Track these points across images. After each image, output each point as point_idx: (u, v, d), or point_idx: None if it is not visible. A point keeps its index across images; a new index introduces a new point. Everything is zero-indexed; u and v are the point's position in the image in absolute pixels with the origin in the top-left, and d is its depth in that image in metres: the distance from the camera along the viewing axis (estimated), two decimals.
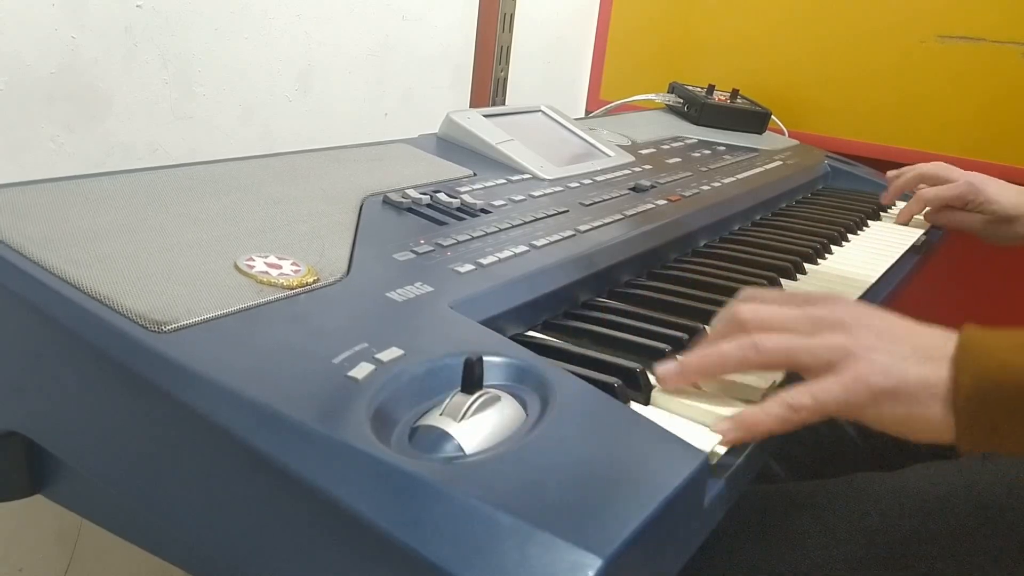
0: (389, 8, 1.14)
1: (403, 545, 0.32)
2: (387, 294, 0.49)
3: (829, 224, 0.92)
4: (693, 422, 0.45)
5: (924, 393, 0.42)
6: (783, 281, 0.71)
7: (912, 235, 0.95)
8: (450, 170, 0.75)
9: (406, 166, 0.73)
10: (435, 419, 0.38)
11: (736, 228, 0.87)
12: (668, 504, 0.35)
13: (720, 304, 0.61)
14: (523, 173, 0.78)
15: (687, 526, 0.39)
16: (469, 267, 0.55)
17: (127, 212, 0.52)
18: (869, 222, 1.00)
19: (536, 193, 0.74)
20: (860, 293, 0.72)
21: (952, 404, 0.41)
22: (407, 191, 0.65)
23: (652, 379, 0.48)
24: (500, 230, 0.63)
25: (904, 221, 1.01)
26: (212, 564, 0.42)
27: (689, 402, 0.47)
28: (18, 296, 0.43)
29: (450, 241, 0.58)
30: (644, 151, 0.99)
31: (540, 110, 0.95)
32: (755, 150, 1.14)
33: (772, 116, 1.28)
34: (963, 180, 0.95)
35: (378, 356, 0.41)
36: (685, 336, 0.55)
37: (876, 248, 0.89)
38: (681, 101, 1.25)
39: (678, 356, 0.49)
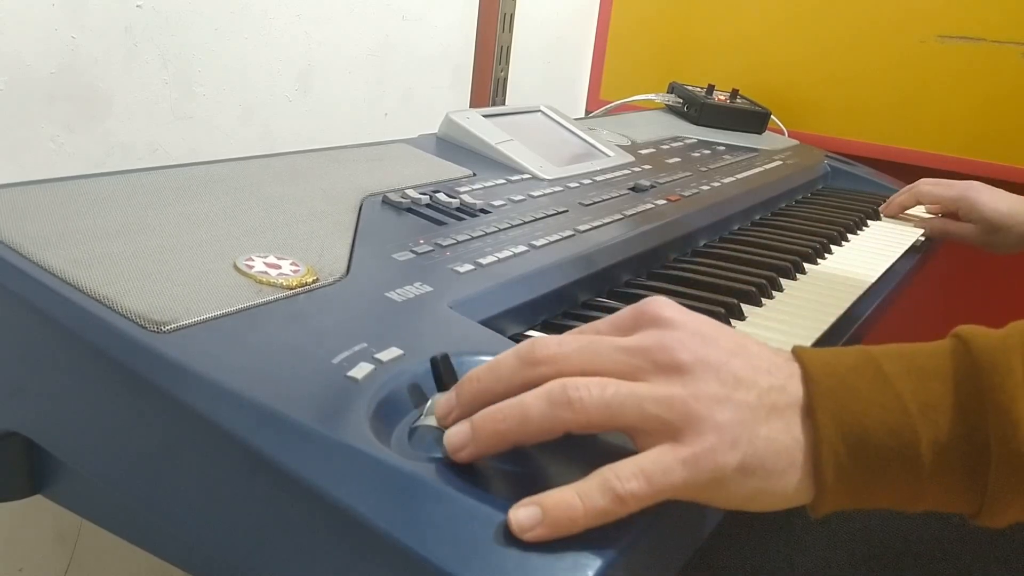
0: (389, 8, 1.14)
1: (403, 545, 0.32)
2: (386, 294, 0.49)
3: (829, 224, 0.92)
4: None
5: (778, 462, 0.35)
6: (783, 281, 0.71)
7: (912, 235, 0.95)
8: (450, 170, 0.75)
9: (406, 166, 0.73)
10: (434, 419, 0.38)
11: (736, 228, 0.87)
12: (668, 504, 0.35)
13: (720, 304, 0.61)
14: (523, 173, 0.78)
15: (687, 526, 0.39)
16: (468, 267, 0.55)
17: (127, 212, 0.52)
18: (869, 222, 1.00)
19: (536, 193, 0.74)
20: (860, 293, 0.72)
21: (813, 472, 0.35)
22: (407, 191, 0.65)
23: None
24: (500, 230, 0.63)
25: (893, 213, 1.02)
26: (212, 564, 0.42)
27: None
28: (18, 296, 0.43)
29: (449, 241, 0.58)
30: (644, 151, 0.99)
31: (540, 110, 0.95)
32: (755, 150, 1.14)
33: (772, 116, 1.28)
34: (960, 184, 0.96)
35: (377, 356, 0.41)
36: None
37: (876, 248, 0.89)
38: (681, 101, 1.25)
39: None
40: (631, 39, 1.51)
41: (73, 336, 0.41)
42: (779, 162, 1.10)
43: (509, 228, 0.64)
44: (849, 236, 0.92)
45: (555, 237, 0.63)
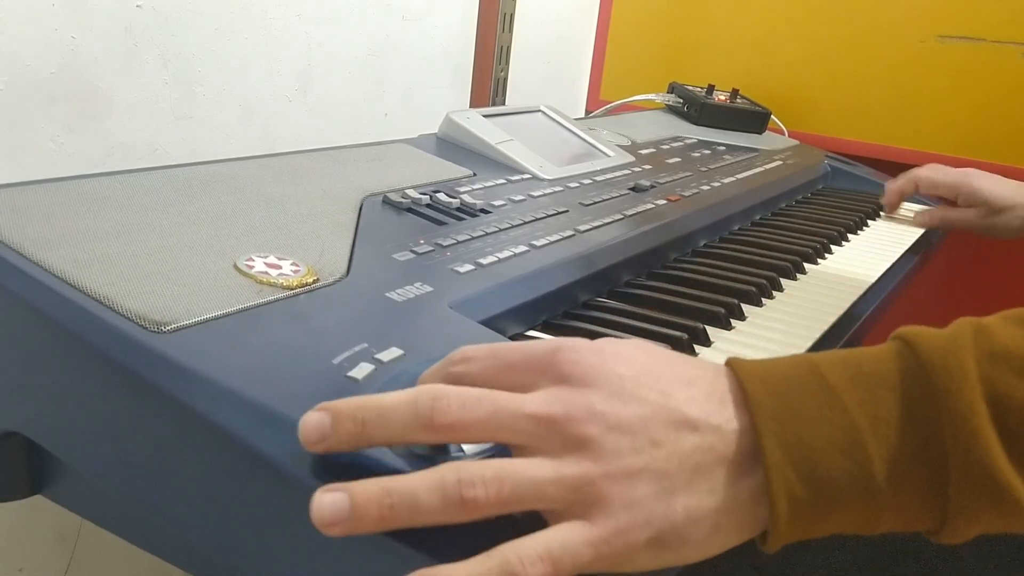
0: (389, 8, 1.14)
1: (403, 545, 0.32)
2: (387, 294, 0.49)
3: (829, 224, 0.92)
4: None
5: (697, 530, 0.32)
6: (783, 281, 0.71)
7: (912, 235, 0.95)
8: (450, 170, 0.75)
9: (406, 166, 0.73)
10: None
11: (736, 228, 0.87)
12: None
13: (720, 304, 0.61)
14: (523, 173, 0.78)
15: None
16: (469, 267, 0.55)
17: (127, 212, 0.52)
18: (869, 222, 1.00)
19: (536, 193, 0.74)
20: (860, 293, 0.72)
21: (767, 520, 0.33)
22: (407, 191, 0.65)
23: None
24: (500, 230, 0.63)
25: (892, 200, 1.02)
26: (212, 564, 0.42)
27: None
28: (18, 296, 0.43)
29: (450, 241, 0.58)
30: (644, 151, 0.99)
31: (540, 110, 0.95)
32: (755, 150, 1.14)
33: (772, 116, 1.28)
34: (958, 171, 0.96)
35: (378, 356, 0.41)
36: (685, 336, 0.55)
37: (876, 248, 0.89)
38: (681, 101, 1.25)
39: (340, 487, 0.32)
40: (631, 39, 1.51)
41: (73, 336, 0.41)
42: (779, 162, 1.10)
43: (509, 228, 0.64)
44: (849, 236, 0.92)
45: (555, 237, 0.63)
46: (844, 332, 0.65)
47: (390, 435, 0.33)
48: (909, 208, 1.08)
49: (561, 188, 0.77)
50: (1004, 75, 1.21)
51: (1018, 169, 1.20)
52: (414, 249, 0.56)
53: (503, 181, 0.75)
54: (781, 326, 0.61)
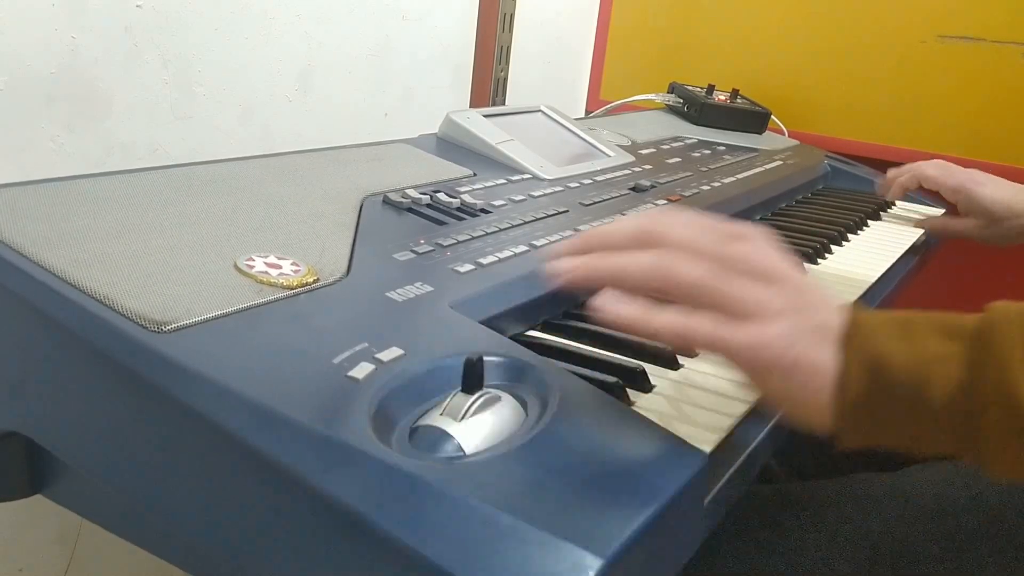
0: (389, 8, 1.14)
1: (403, 545, 0.32)
2: (387, 294, 0.49)
3: (829, 224, 0.92)
4: (693, 425, 0.45)
5: (813, 380, 0.40)
6: None
7: (912, 235, 0.95)
8: (450, 170, 0.75)
9: (406, 166, 0.73)
10: (435, 419, 0.38)
11: None
12: (668, 504, 0.35)
13: None
14: (523, 173, 0.78)
15: (687, 526, 0.39)
16: (469, 267, 0.55)
17: (127, 212, 0.52)
18: (869, 222, 1.00)
19: (536, 193, 0.74)
20: (860, 293, 0.72)
21: (838, 397, 0.40)
22: (407, 191, 0.65)
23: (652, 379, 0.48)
24: (500, 230, 0.63)
25: (896, 196, 1.01)
26: (212, 564, 0.42)
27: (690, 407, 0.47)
28: (18, 296, 0.43)
29: (450, 241, 0.58)
30: (644, 151, 0.99)
31: (540, 110, 0.95)
32: (755, 150, 1.14)
33: (772, 116, 1.28)
34: (962, 174, 0.96)
35: (378, 356, 0.41)
36: None
37: (876, 248, 0.89)
38: (681, 101, 1.25)
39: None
40: (631, 39, 1.51)
41: (73, 336, 0.41)
42: (779, 162, 1.10)
43: (510, 228, 0.64)
44: (849, 236, 0.92)
45: (556, 237, 0.63)
46: None
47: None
48: (909, 209, 1.08)
49: (561, 188, 0.77)
50: (1004, 75, 1.20)
51: (1018, 169, 1.20)
52: (414, 249, 0.56)
53: (503, 181, 0.75)
54: None
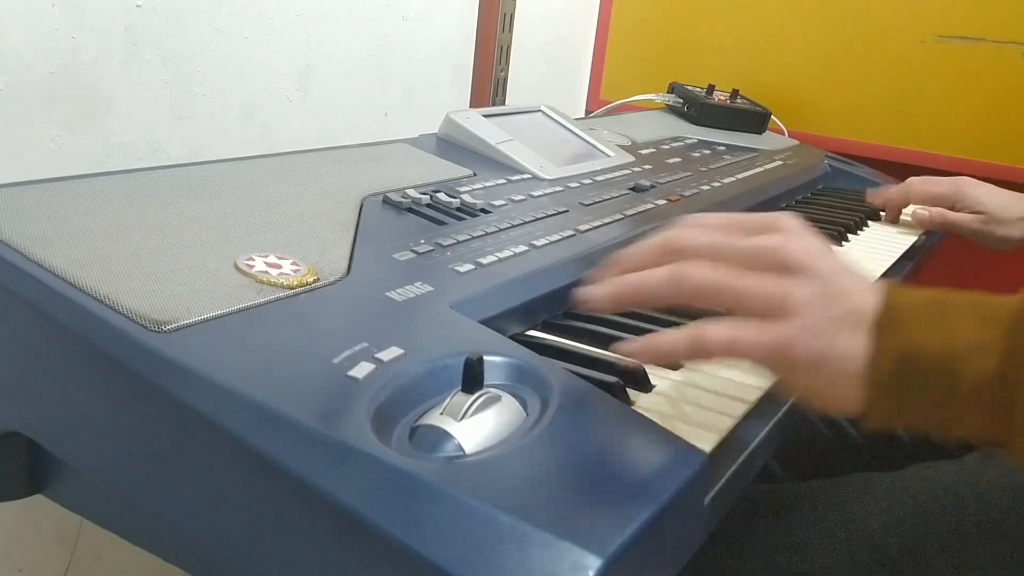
0: (389, 8, 1.14)
1: (403, 545, 0.32)
2: (387, 294, 0.49)
3: (829, 224, 0.92)
4: (692, 425, 0.45)
5: (843, 369, 0.40)
6: None
7: (911, 236, 0.95)
8: (450, 170, 0.75)
9: (406, 166, 0.73)
10: (435, 419, 0.38)
11: None
12: (668, 504, 0.35)
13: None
14: (523, 173, 0.78)
15: (687, 526, 0.39)
16: (469, 267, 0.55)
17: (127, 212, 0.52)
18: (869, 222, 1.00)
19: (536, 193, 0.74)
20: None
21: (868, 382, 0.40)
22: (407, 191, 0.65)
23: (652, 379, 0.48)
24: (500, 230, 0.63)
25: (891, 219, 1.01)
26: (212, 564, 0.42)
27: (688, 406, 0.47)
28: (18, 296, 0.43)
29: (450, 241, 0.58)
30: (644, 151, 0.99)
31: (540, 110, 0.95)
32: (755, 150, 1.14)
33: (772, 116, 1.28)
34: (950, 180, 0.96)
35: (378, 356, 0.41)
36: None
37: (875, 248, 0.89)
38: (681, 101, 1.25)
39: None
40: (631, 39, 1.51)
41: (73, 336, 0.41)
42: (779, 162, 1.10)
43: (510, 228, 0.64)
44: (849, 236, 0.92)
45: (555, 237, 0.63)
46: None
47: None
48: (908, 209, 1.08)
49: (561, 188, 0.77)
50: (1004, 75, 1.20)
51: (1018, 169, 1.20)
52: (414, 249, 0.56)
53: (503, 181, 0.75)
54: None
